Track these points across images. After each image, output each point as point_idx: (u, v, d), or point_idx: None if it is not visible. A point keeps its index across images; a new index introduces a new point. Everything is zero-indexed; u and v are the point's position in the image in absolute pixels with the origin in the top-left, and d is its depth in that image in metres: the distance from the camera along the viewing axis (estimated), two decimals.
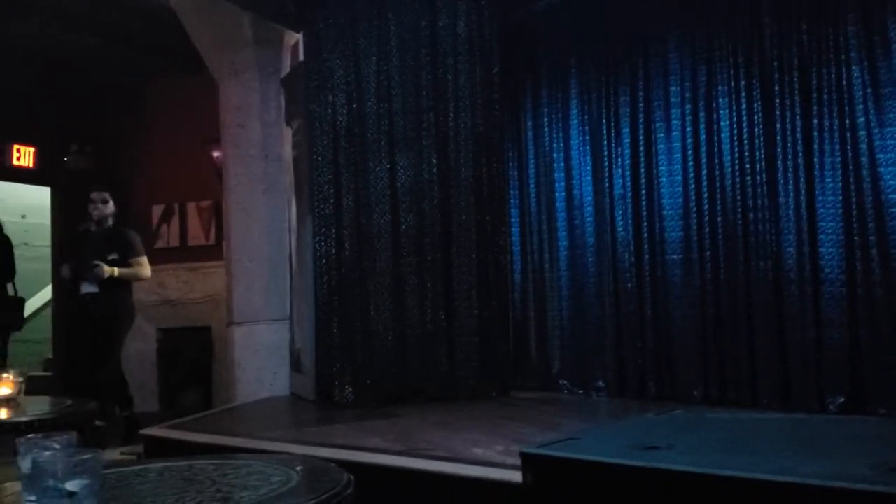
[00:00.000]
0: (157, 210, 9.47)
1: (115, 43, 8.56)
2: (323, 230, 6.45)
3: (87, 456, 1.73)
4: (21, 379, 4.44)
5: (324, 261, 6.44)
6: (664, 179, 6.23)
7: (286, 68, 7.40)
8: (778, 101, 5.58)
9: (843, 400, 5.20)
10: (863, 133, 5.24)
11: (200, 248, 9.23)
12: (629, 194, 6.39)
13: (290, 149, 7.35)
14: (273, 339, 7.14)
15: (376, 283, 6.37)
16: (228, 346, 7.29)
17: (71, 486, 1.67)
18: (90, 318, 6.97)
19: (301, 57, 7.01)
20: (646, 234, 6.30)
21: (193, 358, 9.05)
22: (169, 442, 5.35)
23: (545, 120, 6.96)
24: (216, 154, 8.31)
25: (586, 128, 6.69)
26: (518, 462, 2.54)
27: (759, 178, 5.68)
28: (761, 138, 5.67)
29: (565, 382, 6.73)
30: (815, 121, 5.44)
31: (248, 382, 7.06)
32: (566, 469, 2.38)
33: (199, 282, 9.07)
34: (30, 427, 3.76)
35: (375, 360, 6.34)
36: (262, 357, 7.09)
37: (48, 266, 9.87)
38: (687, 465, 2.18)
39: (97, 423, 4.90)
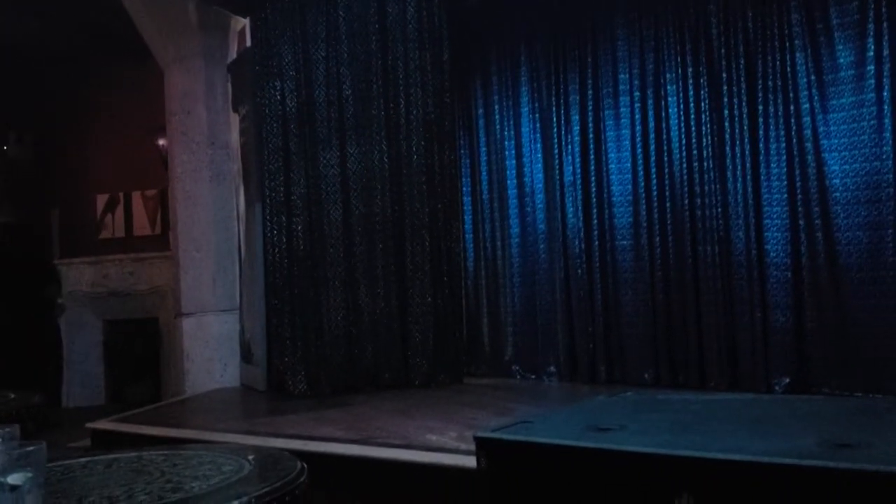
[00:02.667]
0: (101, 200, 9.25)
1: (57, 28, 8.32)
2: (273, 219, 6.37)
3: (31, 448, 1.67)
4: None
5: (274, 249, 6.37)
6: (613, 166, 6.28)
7: (233, 54, 7.28)
8: (725, 87, 5.66)
9: (788, 381, 5.32)
10: (807, 119, 5.34)
11: (146, 239, 9.05)
12: (579, 181, 6.43)
13: (237, 136, 7.24)
14: (222, 329, 7.06)
15: (328, 272, 6.32)
16: (177, 338, 7.19)
17: (13, 479, 1.62)
18: None
19: (248, 43, 6.89)
20: (595, 221, 6.35)
21: (140, 350, 8.90)
22: (117, 435, 5.26)
23: (496, 107, 6.97)
24: (161, 142, 8.15)
25: (536, 115, 6.71)
26: (472, 448, 2.53)
27: (706, 164, 5.76)
28: (709, 125, 5.75)
29: (517, 368, 6.76)
30: (761, 107, 5.53)
31: (197, 374, 6.97)
32: (520, 452, 2.39)
33: (146, 273, 8.90)
34: None
35: (328, 350, 6.30)
36: (212, 348, 7.00)
37: None
38: (639, 446, 2.19)
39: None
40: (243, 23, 7.10)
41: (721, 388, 5.55)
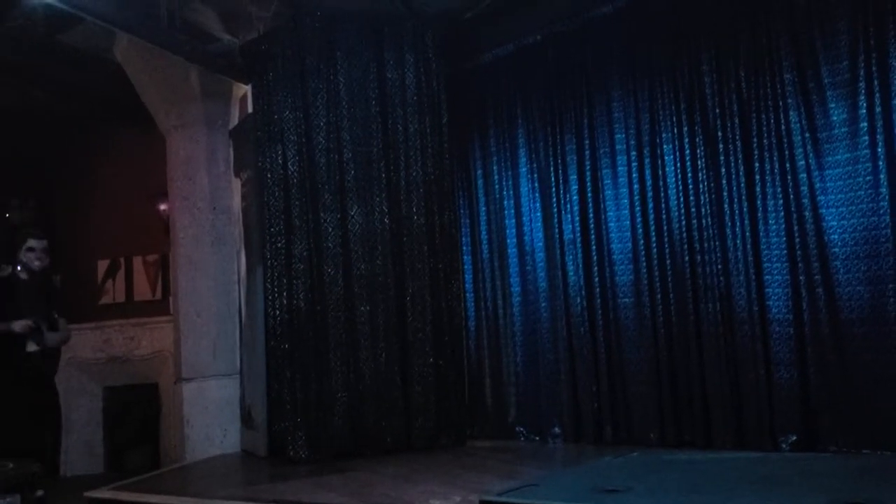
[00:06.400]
0: (102, 265, 9.26)
1: (60, 96, 8.45)
2: (274, 282, 6.38)
3: None
4: None
5: (275, 313, 6.37)
6: (613, 225, 6.32)
7: (234, 120, 7.38)
8: (721, 146, 5.73)
9: (795, 438, 5.25)
10: (803, 176, 5.39)
11: (147, 304, 9.03)
12: (579, 239, 6.46)
13: (238, 200, 7.29)
14: (223, 394, 7.01)
15: (329, 335, 6.30)
16: (177, 403, 7.12)
17: None
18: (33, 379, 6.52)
19: (250, 109, 7.00)
20: (597, 279, 6.36)
21: (140, 416, 8.80)
22: None
23: (494, 168, 7.05)
24: (163, 207, 8.21)
25: (535, 175, 6.78)
26: None
27: (705, 221, 5.79)
28: (706, 183, 5.80)
29: (521, 429, 6.70)
30: (757, 165, 5.58)
31: (197, 440, 6.89)
32: None
33: (146, 338, 8.85)
34: None
35: (329, 414, 6.24)
36: (212, 413, 6.94)
37: None
38: None
39: (38, 493, 4.66)
40: (245, 89, 7.22)
41: (727, 447, 5.47)
